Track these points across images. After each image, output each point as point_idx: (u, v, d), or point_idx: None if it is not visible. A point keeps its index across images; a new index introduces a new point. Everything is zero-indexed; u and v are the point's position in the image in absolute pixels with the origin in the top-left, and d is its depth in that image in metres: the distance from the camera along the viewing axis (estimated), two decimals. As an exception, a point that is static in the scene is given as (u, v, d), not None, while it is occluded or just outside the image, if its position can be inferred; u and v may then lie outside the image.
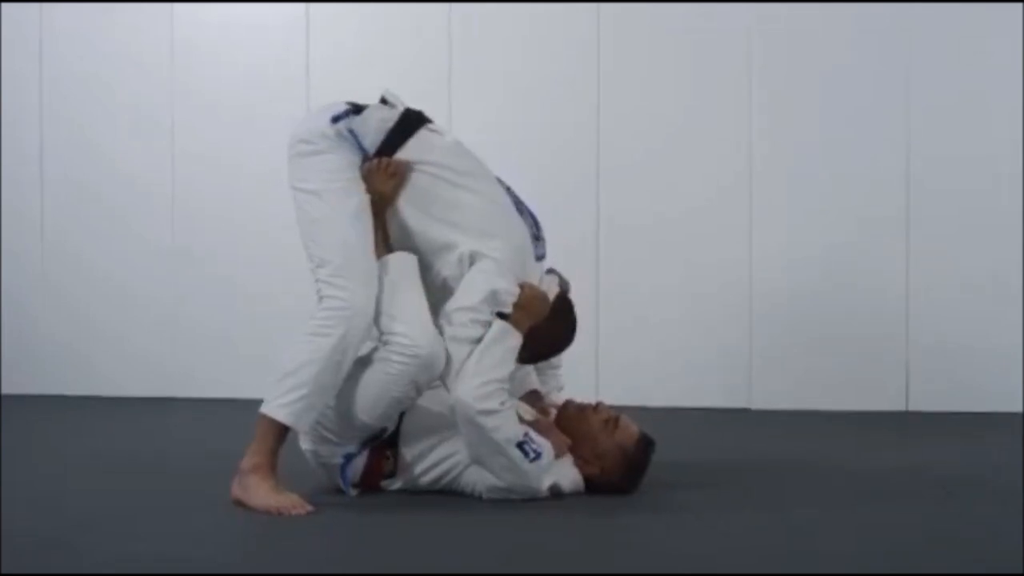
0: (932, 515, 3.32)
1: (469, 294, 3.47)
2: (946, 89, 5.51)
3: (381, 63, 5.73)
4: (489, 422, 3.35)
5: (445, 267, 3.53)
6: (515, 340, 3.47)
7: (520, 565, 2.80)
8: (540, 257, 3.66)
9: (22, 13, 6.16)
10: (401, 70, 5.59)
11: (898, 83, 5.53)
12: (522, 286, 3.52)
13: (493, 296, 3.46)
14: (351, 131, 3.51)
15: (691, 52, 5.70)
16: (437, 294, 3.54)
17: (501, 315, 3.47)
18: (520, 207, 3.65)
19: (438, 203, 3.54)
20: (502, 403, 3.38)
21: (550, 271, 3.71)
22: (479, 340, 3.43)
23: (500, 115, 5.72)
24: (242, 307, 5.98)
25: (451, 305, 3.48)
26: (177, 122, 6.06)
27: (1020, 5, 5.44)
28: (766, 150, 5.63)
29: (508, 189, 3.68)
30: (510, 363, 3.45)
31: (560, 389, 3.90)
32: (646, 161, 5.72)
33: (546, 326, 3.56)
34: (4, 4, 6.17)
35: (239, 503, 3.34)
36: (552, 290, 3.62)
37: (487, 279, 3.47)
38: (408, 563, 2.82)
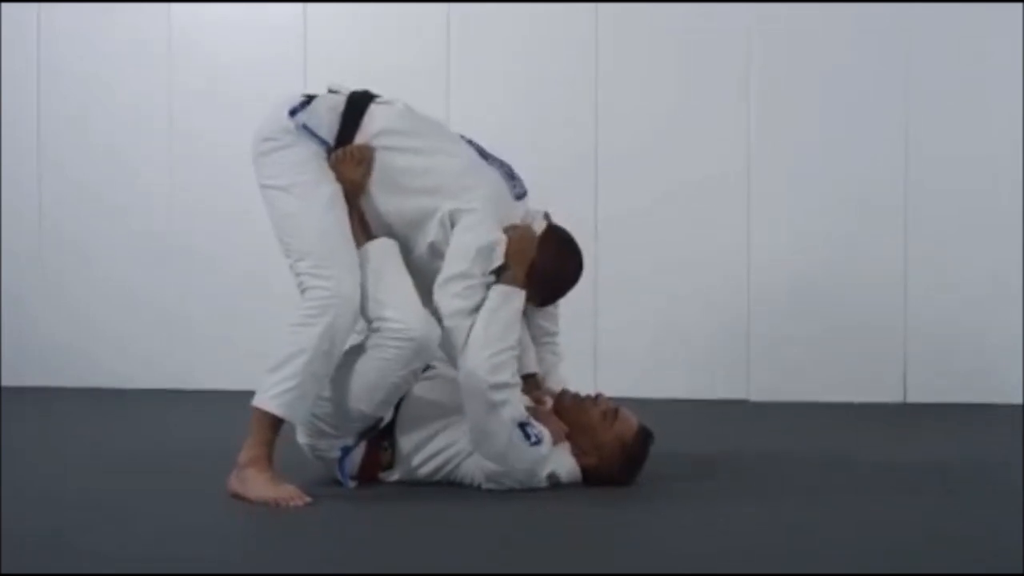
0: (931, 509, 3.31)
1: (458, 259, 3.43)
2: (943, 84, 5.53)
3: (380, 63, 5.73)
4: (500, 396, 3.32)
5: (429, 234, 3.49)
6: (517, 299, 3.43)
7: (518, 558, 2.80)
8: (520, 196, 3.63)
9: (20, 11, 6.19)
10: (400, 70, 5.60)
11: (897, 80, 5.55)
12: (505, 230, 3.49)
13: (483, 252, 3.43)
14: (304, 124, 3.48)
15: (690, 51, 5.72)
16: (427, 265, 3.51)
17: (496, 273, 3.43)
18: (485, 155, 3.63)
19: (406, 175, 3.51)
20: (513, 375, 3.36)
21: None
22: (478, 307, 3.40)
23: (499, 114, 5.72)
24: (240, 300, 6.00)
25: (443, 275, 3.45)
26: (175, 119, 6.08)
27: (1020, 5, 5.46)
28: (765, 146, 5.64)
29: (470, 141, 3.66)
30: (516, 326, 3.42)
31: (558, 357, 3.82)
32: (644, 158, 5.73)
33: (547, 261, 3.52)
34: (3, 4, 6.19)
35: (237, 496, 3.33)
36: (539, 224, 3.58)
37: (474, 236, 3.44)
38: (406, 556, 2.81)
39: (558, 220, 3.72)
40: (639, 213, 5.71)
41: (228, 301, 6.03)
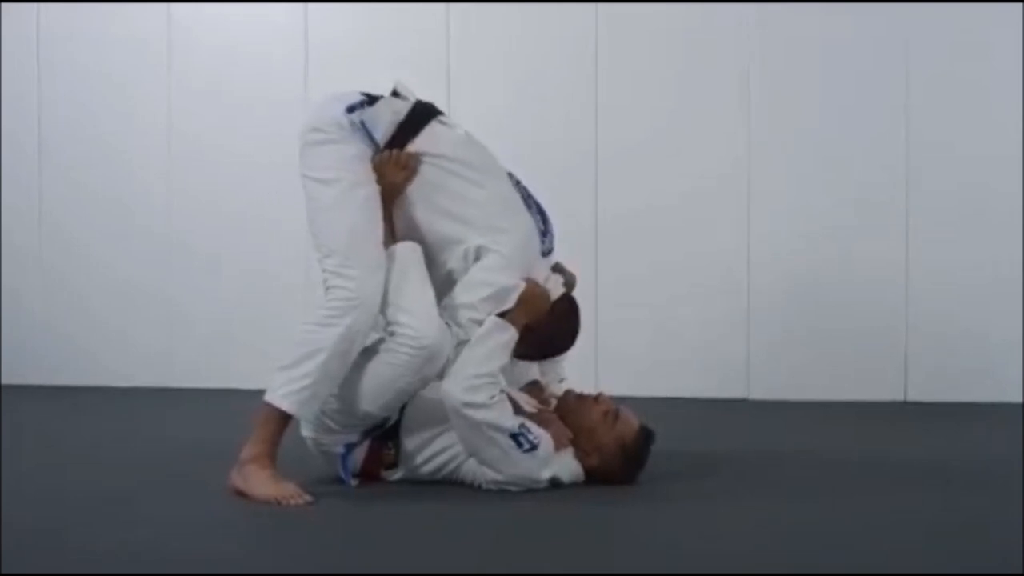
0: (931, 508, 3.31)
1: (469, 291, 3.47)
2: (943, 83, 5.53)
3: (379, 59, 5.73)
4: (476, 415, 3.35)
5: (451, 260, 3.52)
6: (508, 335, 3.45)
7: (518, 558, 2.80)
8: (547, 252, 3.64)
9: (20, 11, 6.19)
10: (399, 66, 5.57)
11: (897, 79, 5.54)
12: (525, 282, 3.51)
13: (495, 294, 3.45)
14: (363, 122, 3.49)
15: (690, 51, 5.71)
16: (442, 287, 3.53)
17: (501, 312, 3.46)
18: (529, 202, 3.64)
19: (446, 196, 3.53)
20: (491, 397, 3.37)
21: (556, 268, 3.69)
22: None
23: (499, 113, 5.71)
24: (240, 297, 6.01)
25: (451, 300, 3.48)
26: (174, 118, 6.08)
27: (1020, 5, 5.45)
28: (765, 145, 5.64)
29: (518, 183, 3.67)
30: (502, 357, 3.44)
31: (561, 380, 3.88)
32: (644, 157, 5.73)
33: (548, 325, 3.55)
34: (3, 4, 6.20)
35: (238, 493, 3.33)
36: (556, 290, 3.60)
37: (489, 276, 3.46)
38: (406, 556, 2.81)
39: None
40: (639, 212, 5.71)
41: (228, 300, 6.03)
